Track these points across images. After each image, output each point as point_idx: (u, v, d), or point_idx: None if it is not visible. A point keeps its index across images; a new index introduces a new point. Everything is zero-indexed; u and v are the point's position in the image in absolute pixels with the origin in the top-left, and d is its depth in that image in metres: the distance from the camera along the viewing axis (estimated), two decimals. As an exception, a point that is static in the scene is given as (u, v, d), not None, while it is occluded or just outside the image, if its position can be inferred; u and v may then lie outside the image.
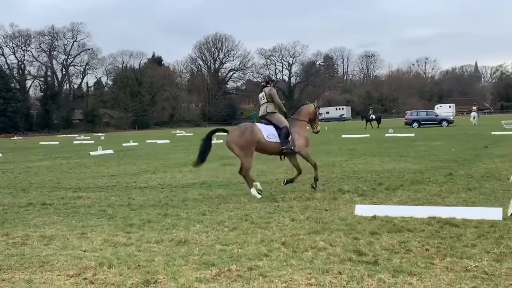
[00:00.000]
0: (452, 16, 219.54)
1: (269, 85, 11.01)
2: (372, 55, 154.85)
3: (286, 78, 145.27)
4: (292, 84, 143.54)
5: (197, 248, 6.10)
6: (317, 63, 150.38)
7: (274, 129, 10.51)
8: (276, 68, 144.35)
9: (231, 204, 9.16)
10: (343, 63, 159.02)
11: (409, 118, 51.61)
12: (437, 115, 53.71)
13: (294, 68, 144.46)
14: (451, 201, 8.67)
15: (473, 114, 52.37)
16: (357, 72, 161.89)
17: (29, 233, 7.26)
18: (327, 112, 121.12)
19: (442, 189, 9.90)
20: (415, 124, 49.91)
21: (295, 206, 8.66)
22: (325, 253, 5.70)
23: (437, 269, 5.01)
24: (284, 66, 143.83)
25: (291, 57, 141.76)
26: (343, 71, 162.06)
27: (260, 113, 11.00)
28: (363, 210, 7.77)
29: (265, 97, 10.82)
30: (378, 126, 50.71)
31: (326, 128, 54.90)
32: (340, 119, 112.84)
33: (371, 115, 52.98)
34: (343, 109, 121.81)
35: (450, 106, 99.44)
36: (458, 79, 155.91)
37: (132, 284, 4.89)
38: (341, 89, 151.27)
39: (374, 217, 7.38)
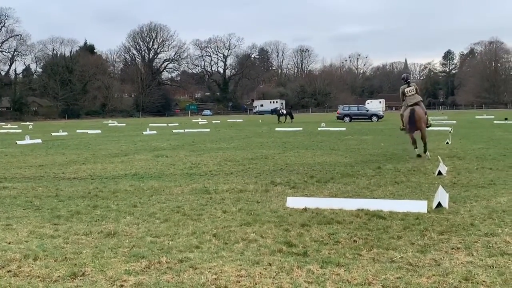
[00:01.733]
0: (384, 15, 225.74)
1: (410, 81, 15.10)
2: (307, 49, 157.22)
3: (221, 70, 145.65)
4: (227, 76, 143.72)
5: (127, 240, 6.00)
6: (252, 56, 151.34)
7: None
8: (211, 60, 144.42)
9: (163, 196, 9.06)
10: (278, 56, 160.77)
11: (341, 113, 52.72)
12: (367, 110, 55.18)
13: (229, 60, 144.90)
14: (379, 194, 8.92)
15: None
16: (291, 66, 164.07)
17: None
18: (261, 105, 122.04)
19: (370, 182, 10.18)
20: (347, 119, 51.03)
21: (227, 198, 8.67)
22: (256, 244, 5.74)
23: (364, 260, 5.15)
24: (219, 58, 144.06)
25: (226, 49, 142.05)
26: (278, 65, 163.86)
27: (414, 101, 14.67)
28: (294, 202, 7.86)
29: (414, 90, 14.72)
30: (291, 121, 49.90)
31: (260, 121, 55.25)
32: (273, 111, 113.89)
33: (282, 110, 53.13)
34: (277, 102, 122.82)
35: (380, 102, 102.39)
36: (388, 75, 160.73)
37: (59, 277, 4.76)
38: (275, 82, 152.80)
39: (305, 209, 7.49)
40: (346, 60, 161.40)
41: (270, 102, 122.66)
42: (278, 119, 51.24)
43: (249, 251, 5.48)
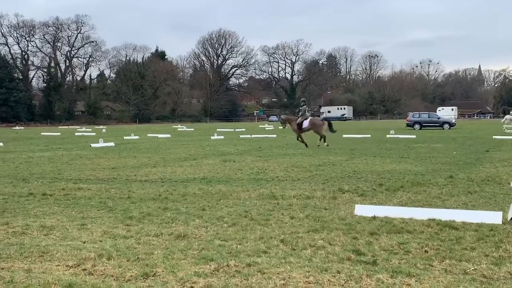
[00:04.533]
0: (457, 20, 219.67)
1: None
2: (376, 55, 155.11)
3: (288, 76, 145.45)
4: (294, 82, 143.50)
5: (196, 243, 6.11)
6: (320, 62, 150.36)
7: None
8: (279, 66, 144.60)
9: (230, 200, 9.16)
10: (346, 62, 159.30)
11: (411, 120, 51.51)
12: (439, 118, 53.55)
13: (297, 66, 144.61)
14: (451, 203, 8.67)
15: (509, 117, 56.38)
16: (360, 72, 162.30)
17: (29, 223, 7.28)
18: (329, 111, 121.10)
19: (442, 192, 9.89)
20: (417, 126, 49.83)
21: (294, 204, 8.66)
22: (324, 251, 5.71)
23: (436, 271, 5.02)
24: (287, 64, 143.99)
25: (294, 55, 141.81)
26: (346, 71, 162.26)
27: (309, 115, 24.06)
28: (362, 210, 7.76)
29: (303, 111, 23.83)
30: None
31: (327, 127, 54.67)
32: (342, 118, 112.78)
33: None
34: (344, 108, 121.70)
35: (452, 109, 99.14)
36: (461, 82, 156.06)
37: (131, 276, 4.90)
38: (343, 89, 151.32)
39: (374, 218, 7.38)
40: (416, 66, 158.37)
41: (338, 109, 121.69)
42: None
43: (317, 258, 5.45)
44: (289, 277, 4.81)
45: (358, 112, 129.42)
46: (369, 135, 34.31)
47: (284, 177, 12.41)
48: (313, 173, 13.00)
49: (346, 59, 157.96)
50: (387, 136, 33.23)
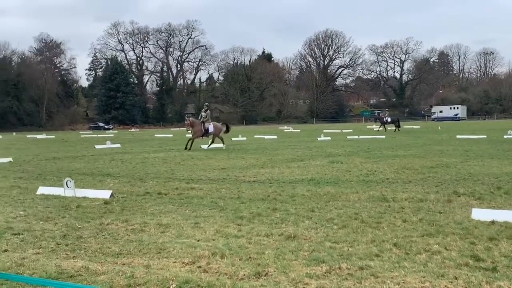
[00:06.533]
0: None
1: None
2: (491, 52, 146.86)
3: (397, 75, 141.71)
4: (403, 82, 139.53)
5: (307, 244, 6.10)
6: (431, 60, 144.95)
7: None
8: (387, 65, 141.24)
9: (339, 202, 9.07)
10: (459, 60, 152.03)
11: (531, 119, 48.43)
12: (562, 117, 49.89)
13: (407, 65, 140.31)
14: None
15: None
16: (474, 70, 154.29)
17: (146, 221, 7.64)
18: (441, 111, 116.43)
19: None
20: (538, 126, 46.76)
21: (406, 207, 8.41)
22: (439, 256, 5.49)
23: None
24: (395, 63, 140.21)
25: (403, 53, 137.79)
26: (459, 69, 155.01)
27: (211, 120, 26.30)
28: (480, 214, 7.39)
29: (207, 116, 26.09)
30: (398, 129, 45.93)
31: (439, 128, 52.83)
32: (455, 118, 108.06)
33: (386, 118, 48.91)
34: (457, 108, 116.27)
35: None
36: None
37: (244, 275, 4.99)
38: (456, 88, 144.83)
39: (493, 222, 7.00)
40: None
41: (450, 108, 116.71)
42: (384, 126, 47.94)
43: (433, 263, 5.26)
44: (403, 282, 4.68)
45: (473, 111, 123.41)
46: (485, 136, 32.60)
47: (395, 179, 12.10)
48: (425, 175, 12.56)
49: (459, 56, 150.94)
50: (505, 136, 31.35)
